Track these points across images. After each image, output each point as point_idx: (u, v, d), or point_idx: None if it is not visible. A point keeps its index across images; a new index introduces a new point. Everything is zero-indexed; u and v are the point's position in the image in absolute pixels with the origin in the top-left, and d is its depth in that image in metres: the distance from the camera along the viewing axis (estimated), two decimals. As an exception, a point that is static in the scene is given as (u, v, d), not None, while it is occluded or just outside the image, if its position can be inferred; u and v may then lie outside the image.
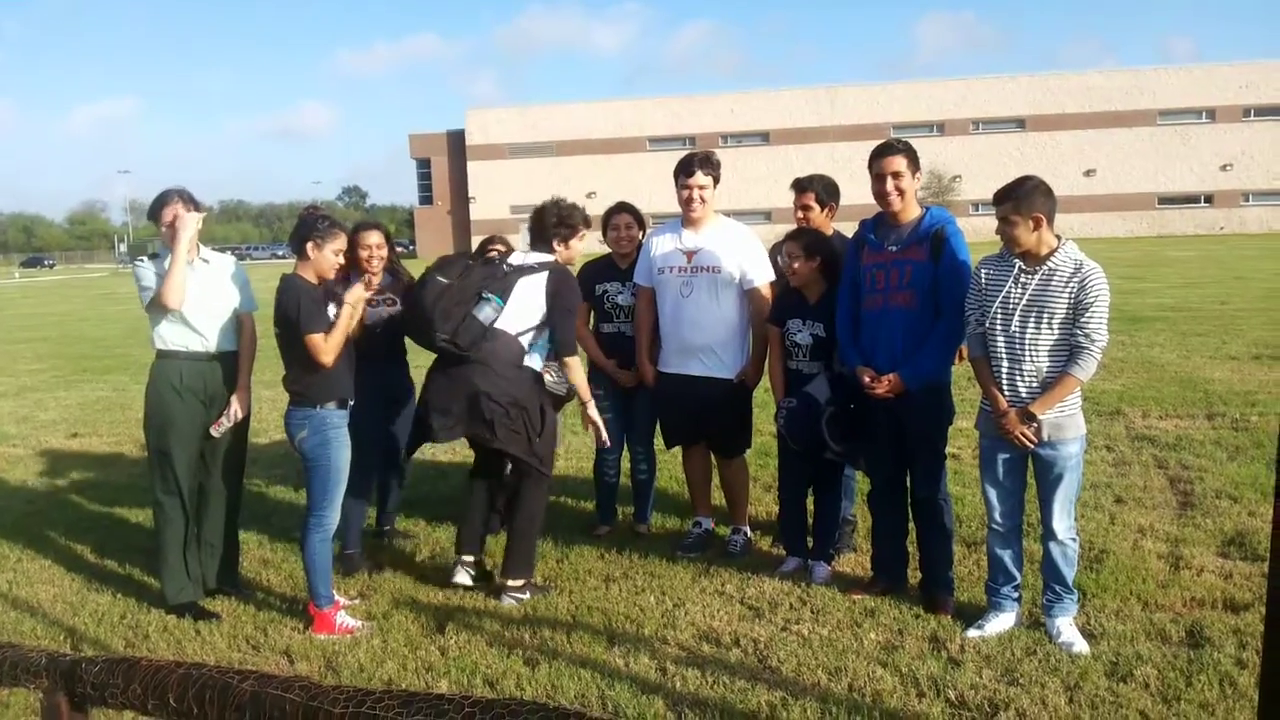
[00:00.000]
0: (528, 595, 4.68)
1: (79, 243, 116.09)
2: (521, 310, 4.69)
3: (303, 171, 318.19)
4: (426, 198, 71.94)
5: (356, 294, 4.50)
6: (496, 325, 4.63)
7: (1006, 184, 3.96)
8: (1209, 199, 59.98)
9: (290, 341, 4.35)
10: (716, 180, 5.11)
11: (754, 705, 3.58)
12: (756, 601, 4.56)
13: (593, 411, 4.86)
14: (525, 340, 4.72)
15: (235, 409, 4.65)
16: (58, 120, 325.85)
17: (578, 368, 4.82)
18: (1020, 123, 60.75)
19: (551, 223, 4.88)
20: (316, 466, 4.37)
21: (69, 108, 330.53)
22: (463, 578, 4.81)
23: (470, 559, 4.84)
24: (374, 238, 5.20)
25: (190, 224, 4.51)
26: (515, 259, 4.86)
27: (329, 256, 4.36)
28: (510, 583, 4.69)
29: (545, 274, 4.76)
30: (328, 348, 4.29)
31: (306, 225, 4.39)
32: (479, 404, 4.59)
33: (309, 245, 4.34)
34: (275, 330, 4.38)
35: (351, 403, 4.49)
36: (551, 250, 4.88)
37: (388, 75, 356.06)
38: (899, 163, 4.31)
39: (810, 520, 5.09)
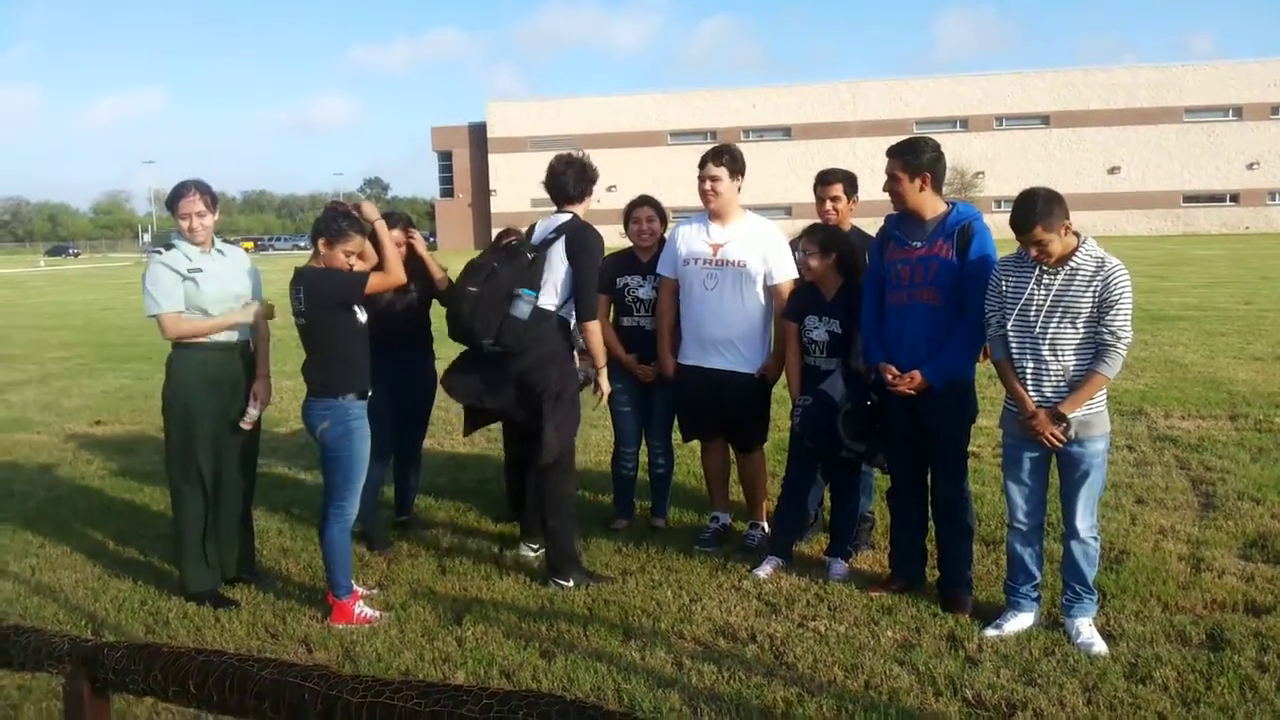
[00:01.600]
0: (570, 584, 4.73)
1: (103, 232, 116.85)
2: (557, 282, 4.84)
3: (325, 163, 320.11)
4: (448, 190, 72.16)
5: (372, 212, 4.58)
6: (541, 305, 4.76)
7: (1019, 208, 3.84)
8: (1235, 197, 59.34)
9: (314, 332, 4.37)
10: (735, 172, 5.07)
11: (770, 701, 3.57)
12: (774, 597, 4.55)
13: (603, 379, 5.01)
14: (569, 310, 4.88)
15: (262, 397, 4.68)
16: (84, 111, 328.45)
17: (596, 333, 4.90)
18: (1044, 119, 60.27)
19: (573, 179, 4.91)
20: (338, 457, 4.39)
21: (95, 99, 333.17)
22: (527, 551, 5.18)
23: (536, 545, 5.14)
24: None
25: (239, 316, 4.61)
26: (537, 233, 4.97)
27: (339, 257, 4.37)
28: (556, 580, 4.77)
29: (562, 237, 4.83)
30: (390, 278, 4.50)
31: (323, 222, 4.39)
32: (523, 392, 4.79)
33: (321, 242, 4.36)
34: (298, 321, 4.38)
35: (370, 394, 4.50)
36: (572, 207, 4.94)
37: (410, 69, 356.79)
38: (893, 165, 4.35)
39: (822, 519, 5.07)
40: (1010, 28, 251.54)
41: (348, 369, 4.38)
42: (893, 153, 4.40)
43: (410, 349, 5.36)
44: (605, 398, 5.11)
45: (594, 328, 4.88)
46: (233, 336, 4.67)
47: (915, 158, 4.32)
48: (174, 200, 4.60)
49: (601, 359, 4.97)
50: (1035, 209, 3.82)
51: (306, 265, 4.41)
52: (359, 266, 4.50)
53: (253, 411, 4.67)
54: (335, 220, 4.38)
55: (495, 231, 5.86)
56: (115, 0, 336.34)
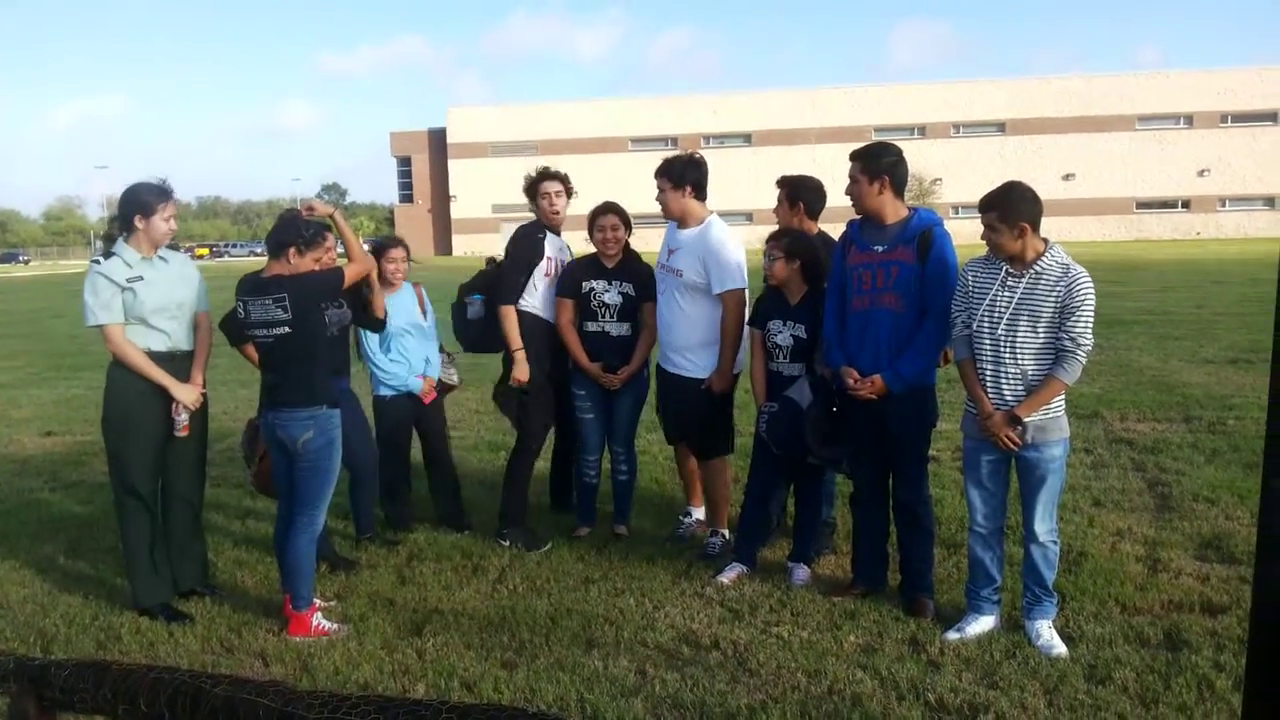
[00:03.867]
0: (506, 543, 5.38)
1: (54, 239, 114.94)
2: None
3: (283, 169, 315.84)
4: (407, 196, 71.67)
5: (325, 208, 4.53)
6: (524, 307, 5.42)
7: (992, 190, 3.96)
8: (1186, 204, 60.58)
9: (299, 339, 4.20)
10: (676, 184, 5.12)
11: (733, 708, 3.56)
12: (736, 604, 4.54)
13: (519, 364, 5.36)
14: (537, 305, 5.48)
15: (181, 403, 4.49)
16: (37, 117, 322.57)
17: (507, 317, 5.37)
18: (1000, 126, 61.16)
19: (529, 190, 5.60)
20: (317, 467, 4.29)
21: (48, 104, 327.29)
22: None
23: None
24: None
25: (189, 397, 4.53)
26: None
27: (308, 264, 4.30)
28: (498, 537, 5.46)
29: None
30: (360, 265, 4.48)
31: (289, 230, 4.26)
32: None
33: (290, 251, 4.23)
34: (277, 331, 4.17)
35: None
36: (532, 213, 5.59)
37: (372, 76, 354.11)
38: (853, 168, 4.42)
39: (785, 524, 5.07)
40: (967, 38, 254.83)
41: (327, 377, 4.34)
42: (854, 156, 4.46)
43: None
44: (519, 380, 5.38)
45: (506, 311, 5.37)
46: (179, 345, 4.57)
47: (875, 161, 4.37)
48: (156, 203, 4.44)
49: (513, 342, 5.37)
50: (1002, 197, 3.92)
51: (273, 274, 4.25)
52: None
53: (180, 418, 4.52)
54: (305, 227, 4.30)
55: (456, 238, 6.05)
56: (76, 5, 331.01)
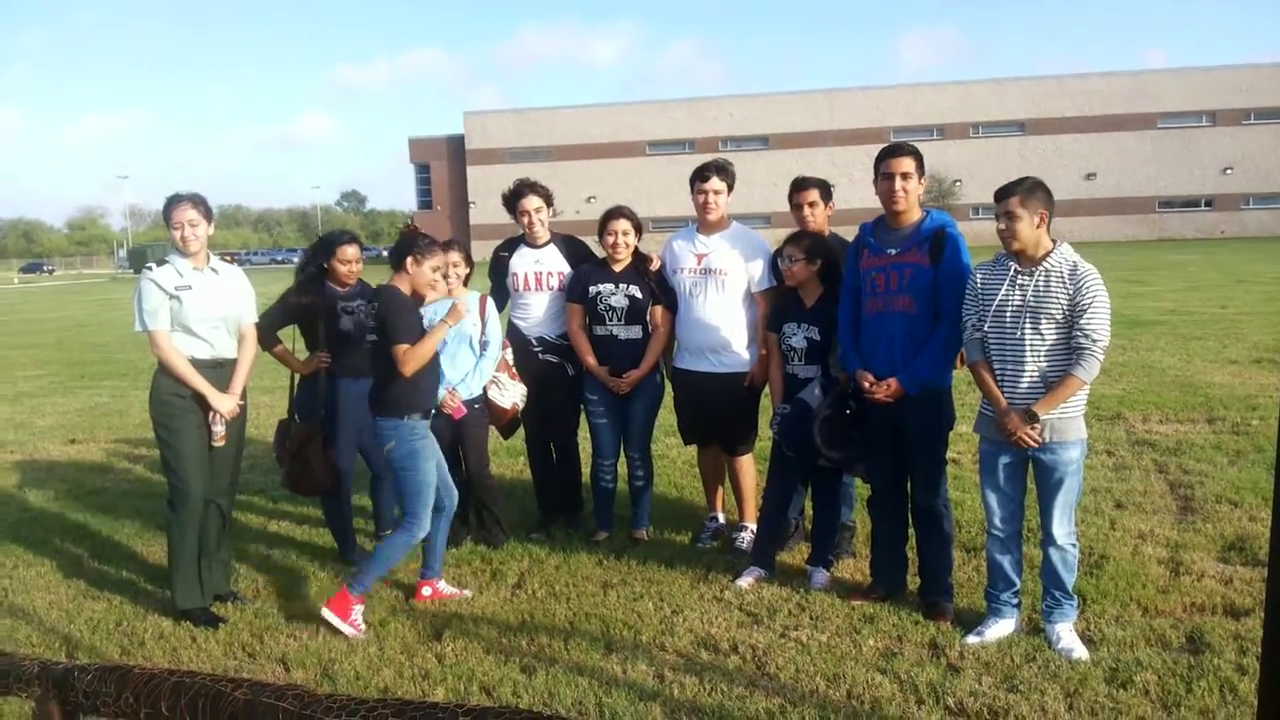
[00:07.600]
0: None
1: (78, 248, 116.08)
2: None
3: (303, 177, 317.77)
4: (426, 202, 71.99)
5: (457, 314, 4.58)
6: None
7: (1008, 183, 3.96)
8: (1209, 202, 60.06)
9: (382, 350, 4.43)
10: (730, 186, 5.29)
11: (752, 712, 3.56)
12: (755, 608, 4.54)
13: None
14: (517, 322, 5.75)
15: (217, 412, 4.58)
16: (60, 128, 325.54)
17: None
18: (1020, 126, 60.83)
19: (508, 206, 5.73)
20: (407, 475, 4.47)
21: (72, 116, 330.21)
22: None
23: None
24: (351, 251, 5.30)
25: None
26: None
27: (427, 273, 4.48)
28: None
29: None
30: (409, 360, 4.37)
31: (407, 242, 4.50)
32: None
33: (409, 260, 4.45)
34: (371, 339, 4.49)
35: (433, 413, 4.66)
36: None
37: (390, 87, 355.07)
38: (908, 164, 4.32)
39: (804, 528, 5.07)
40: (981, 41, 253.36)
41: (412, 389, 4.44)
42: (906, 151, 4.37)
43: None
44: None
45: None
46: (222, 354, 4.64)
47: (922, 158, 4.39)
48: (168, 210, 4.57)
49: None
50: (1021, 184, 3.93)
51: (387, 283, 4.52)
52: (441, 288, 4.73)
53: (217, 429, 4.62)
54: (418, 239, 4.52)
55: (475, 244, 6.05)
56: (106, 22, 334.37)
